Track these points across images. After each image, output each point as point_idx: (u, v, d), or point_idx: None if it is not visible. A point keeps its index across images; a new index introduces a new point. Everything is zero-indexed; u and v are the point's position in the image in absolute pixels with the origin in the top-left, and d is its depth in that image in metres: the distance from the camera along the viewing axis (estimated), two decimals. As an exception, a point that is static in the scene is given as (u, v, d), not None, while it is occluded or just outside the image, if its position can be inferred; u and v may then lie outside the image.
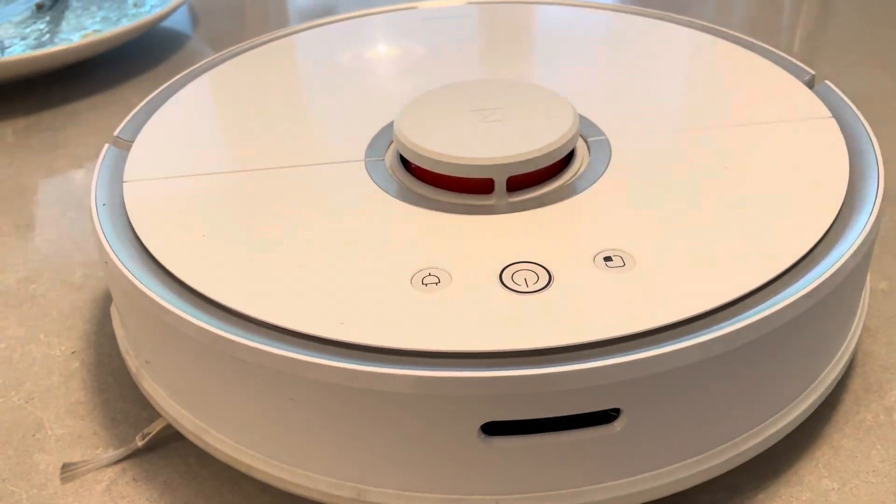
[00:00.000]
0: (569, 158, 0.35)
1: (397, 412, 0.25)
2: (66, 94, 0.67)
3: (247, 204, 0.33)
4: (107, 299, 0.42)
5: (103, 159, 0.37)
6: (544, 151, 0.32)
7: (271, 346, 0.25)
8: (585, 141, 0.36)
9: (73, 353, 0.39)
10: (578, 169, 0.34)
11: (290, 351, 0.25)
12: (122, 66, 0.72)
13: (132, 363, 0.33)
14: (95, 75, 0.70)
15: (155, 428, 0.33)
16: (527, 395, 0.24)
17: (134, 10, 0.77)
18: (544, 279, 0.28)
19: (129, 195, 0.34)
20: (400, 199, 0.33)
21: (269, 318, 0.26)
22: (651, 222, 0.30)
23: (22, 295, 0.43)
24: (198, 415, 0.29)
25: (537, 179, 0.33)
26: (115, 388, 0.36)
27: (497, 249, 0.29)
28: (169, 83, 0.45)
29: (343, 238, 0.30)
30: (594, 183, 0.33)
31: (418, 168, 0.34)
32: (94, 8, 0.79)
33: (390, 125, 0.38)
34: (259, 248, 0.30)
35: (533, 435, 0.25)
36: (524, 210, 0.32)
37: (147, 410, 0.35)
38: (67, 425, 0.34)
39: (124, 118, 0.45)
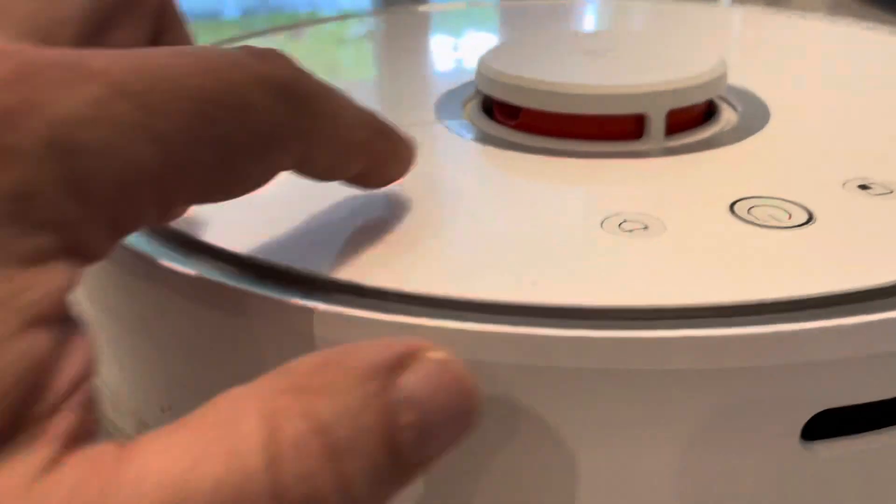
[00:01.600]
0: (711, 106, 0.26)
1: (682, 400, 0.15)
2: None
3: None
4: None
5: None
6: (711, 76, 0.24)
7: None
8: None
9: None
10: (728, 118, 0.26)
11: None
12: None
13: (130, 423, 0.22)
14: None
15: None
16: (876, 359, 0.15)
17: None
18: (800, 215, 0.19)
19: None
20: (523, 152, 0.23)
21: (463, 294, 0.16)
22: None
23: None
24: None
25: (695, 120, 0.25)
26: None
27: (705, 187, 0.20)
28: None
29: (486, 200, 0.21)
30: (766, 125, 0.25)
31: (529, 114, 0.24)
32: None
33: (450, 92, 0.29)
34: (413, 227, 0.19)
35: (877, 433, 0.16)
36: (691, 152, 0.23)
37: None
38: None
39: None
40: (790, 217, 0.19)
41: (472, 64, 0.26)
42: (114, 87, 0.11)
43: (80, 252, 0.11)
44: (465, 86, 0.29)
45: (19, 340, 0.10)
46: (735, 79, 0.27)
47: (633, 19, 0.43)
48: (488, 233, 0.18)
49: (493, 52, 0.26)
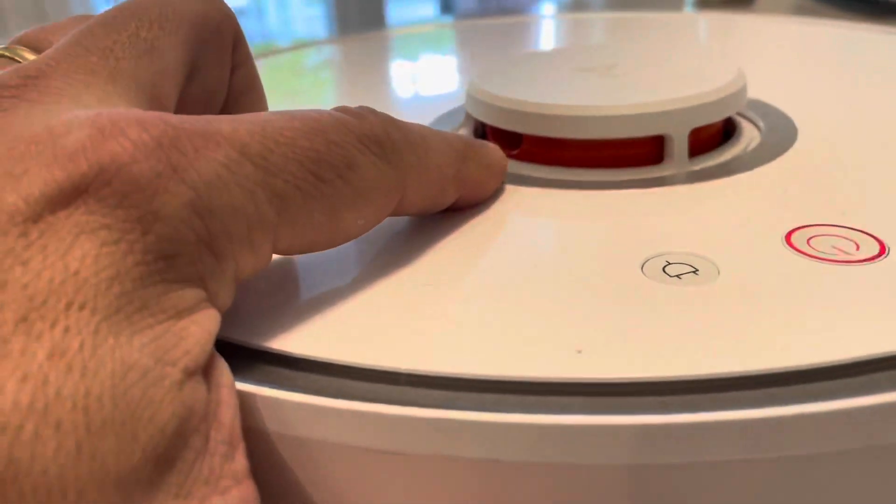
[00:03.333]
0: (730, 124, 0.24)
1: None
2: None
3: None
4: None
5: None
6: (733, 89, 0.21)
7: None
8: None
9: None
10: (751, 135, 0.23)
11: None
12: None
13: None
14: None
15: None
16: None
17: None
18: (870, 245, 0.16)
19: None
20: (529, 186, 0.20)
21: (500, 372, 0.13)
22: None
23: None
24: None
25: (715, 139, 0.22)
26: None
27: (751, 217, 0.18)
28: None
29: (495, 246, 0.18)
30: (795, 141, 0.22)
31: (532, 141, 0.22)
32: None
33: (437, 119, 0.26)
34: (412, 296, 0.16)
35: None
36: (722, 176, 0.20)
37: None
38: None
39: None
40: (858, 248, 0.16)
41: (456, 87, 0.24)
42: (241, 151, 0.13)
43: (214, 303, 0.12)
44: (453, 113, 0.26)
45: (181, 392, 0.11)
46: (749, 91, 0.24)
47: (597, 33, 0.41)
48: (514, 292, 0.15)
49: (484, 75, 0.24)
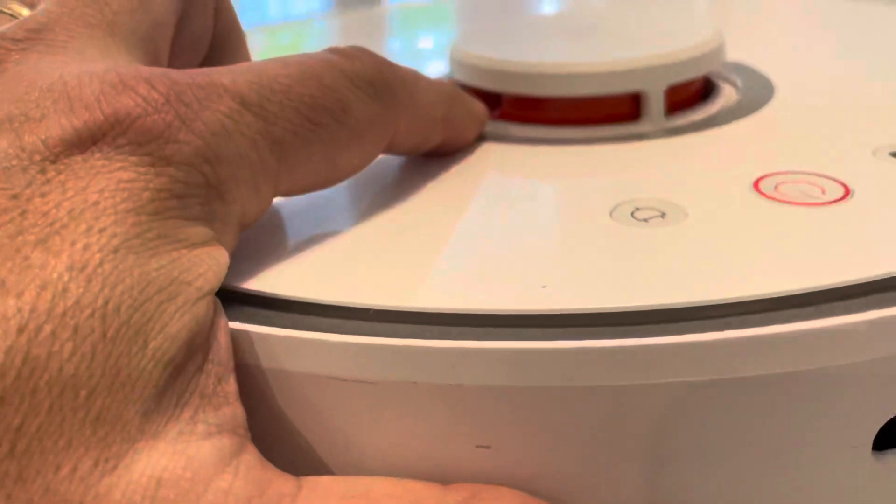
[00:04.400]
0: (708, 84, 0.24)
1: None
2: None
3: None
4: None
5: None
6: (709, 47, 0.22)
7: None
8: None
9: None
10: (728, 94, 0.24)
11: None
12: None
13: None
14: None
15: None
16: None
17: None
18: (835, 189, 0.16)
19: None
20: (509, 143, 0.21)
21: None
22: None
23: None
24: None
25: (693, 98, 0.22)
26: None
27: (722, 166, 0.18)
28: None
29: (476, 198, 0.18)
30: (772, 98, 0.22)
31: (512, 101, 0.22)
32: None
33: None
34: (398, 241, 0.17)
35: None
36: (697, 131, 0.20)
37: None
38: None
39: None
40: (824, 192, 0.16)
41: (441, 56, 0.24)
42: (241, 102, 0.13)
43: (221, 245, 0.13)
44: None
45: (193, 307, 0.12)
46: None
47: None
48: (484, 236, 0.16)
49: (465, 36, 0.24)
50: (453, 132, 0.19)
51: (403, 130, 0.17)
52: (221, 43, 0.19)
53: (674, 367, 0.12)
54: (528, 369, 0.12)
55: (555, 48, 0.22)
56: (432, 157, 0.19)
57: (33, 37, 0.14)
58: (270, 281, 0.14)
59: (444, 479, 0.13)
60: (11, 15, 0.17)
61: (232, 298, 0.14)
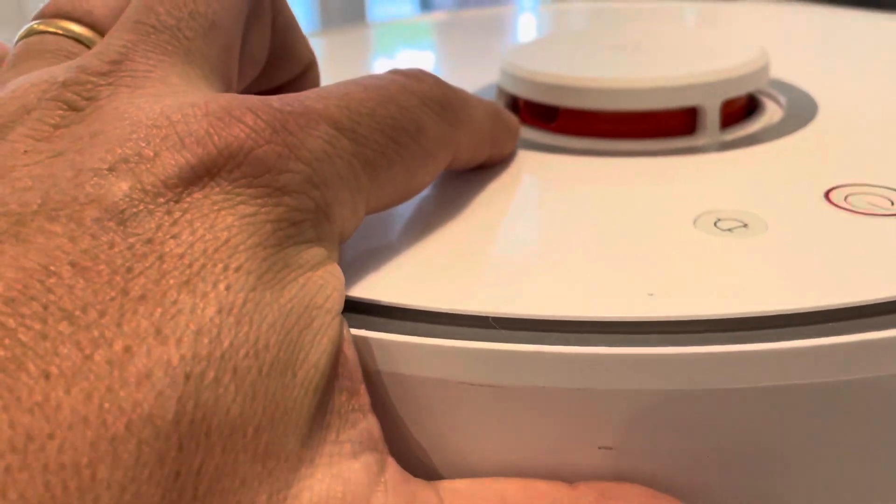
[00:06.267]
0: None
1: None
2: None
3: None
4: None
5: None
6: (759, 65, 0.22)
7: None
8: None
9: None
10: (773, 109, 0.24)
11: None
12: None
13: None
14: None
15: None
16: None
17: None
18: (904, 200, 0.17)
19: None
20: (569, 155, 0.21)
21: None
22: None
23: None
24: None
25: (741, 112, 0.23)
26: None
27: (791, 178, 0.19)
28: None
29: (555, 207, 0.19)
30: (817, 114, 0.23)
31: (569, 114, 0.23)
32: None
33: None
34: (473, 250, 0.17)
35: None
36: (755, 144, 0.21)
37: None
38: None
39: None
40: (893, 204, 0.17)
41: (478, 68, 0.25)
42: (336, 127, 0.14)
43: (332, 260, 0.14)
44: (483, 90, 0.27)
45: (328, 331, 0.12)
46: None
47: (608, 19, 0.42)
48: (580, 245, 0.16)
49: (517, 52, 0.25)
50: (496, 147, 0.20)
51: (463, 147, 0.17)
52: (279, 51, 0.18)
53: (791, 371, 0.12)
54: (656, 373, 0.12)
55: (608, 64, 0.23)
56: (478, 170, 0.20)
57: (117, 69, 0.14)
58: (387, 290, 0.15)
59: (561, 478, 0.13)
60: (64, 35, 0.16)
61: (349, 308, 0.14)
